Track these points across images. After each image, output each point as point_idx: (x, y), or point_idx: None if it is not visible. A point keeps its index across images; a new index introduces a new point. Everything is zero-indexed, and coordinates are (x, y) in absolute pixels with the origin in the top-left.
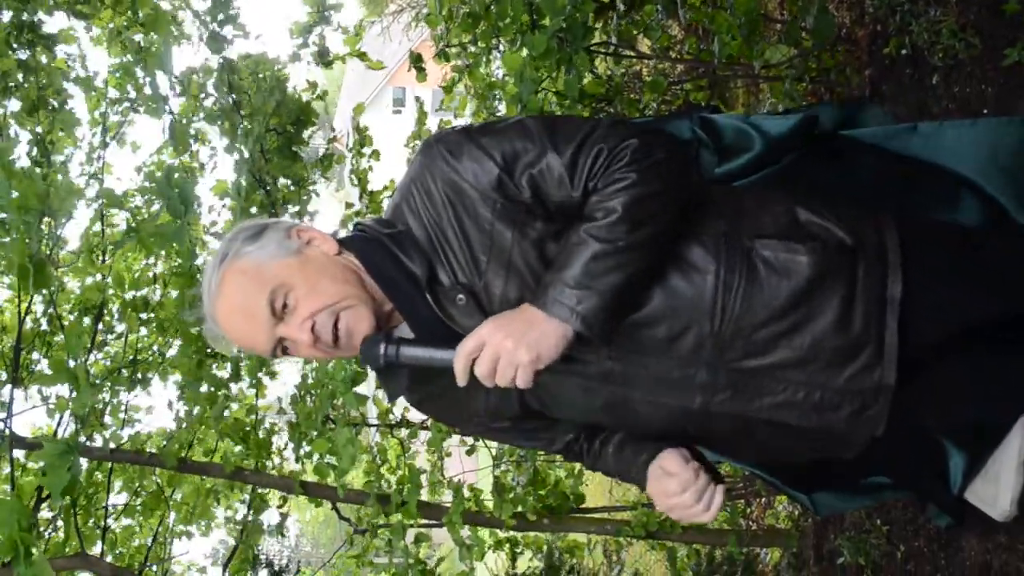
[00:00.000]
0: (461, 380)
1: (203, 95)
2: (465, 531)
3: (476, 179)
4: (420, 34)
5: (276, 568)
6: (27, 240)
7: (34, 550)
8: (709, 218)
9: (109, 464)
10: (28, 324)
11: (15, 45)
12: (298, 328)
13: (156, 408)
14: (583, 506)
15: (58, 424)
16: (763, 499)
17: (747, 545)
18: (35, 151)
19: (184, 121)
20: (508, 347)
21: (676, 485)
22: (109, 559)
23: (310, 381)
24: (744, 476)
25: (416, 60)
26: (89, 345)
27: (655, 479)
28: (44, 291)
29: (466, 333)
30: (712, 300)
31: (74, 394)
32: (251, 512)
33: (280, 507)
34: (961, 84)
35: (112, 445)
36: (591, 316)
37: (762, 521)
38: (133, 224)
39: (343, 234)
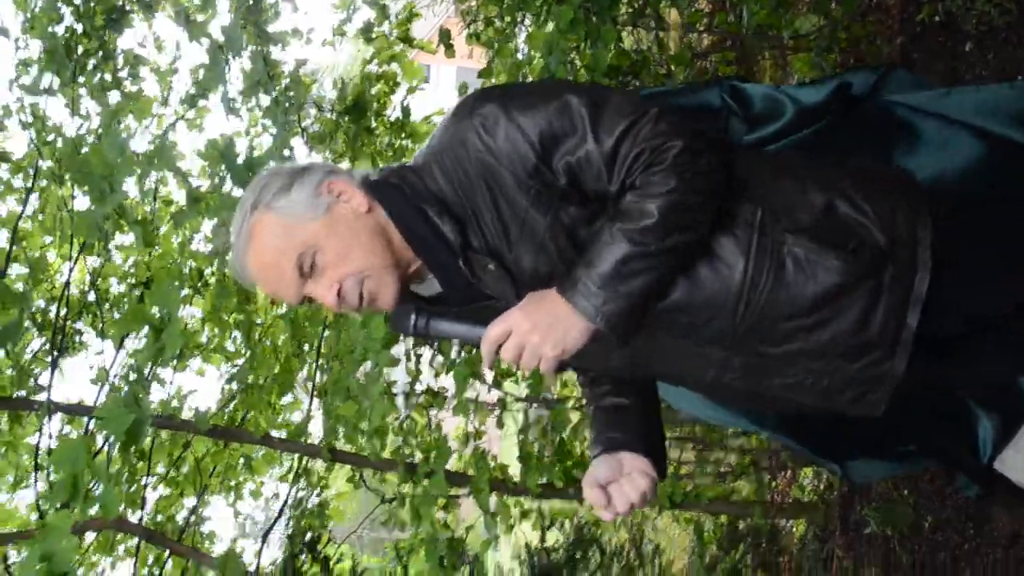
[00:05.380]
0: (487, 365)
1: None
2: (492, 500)
3: (511, 164)
4: (445, 9)
5: (310, 540)
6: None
7: (101, 486)
8: (742, 203)
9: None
10: (74, 291)
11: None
12: (325, 289)
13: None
14: None
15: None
16: (788, 472)
17: (773, 517)
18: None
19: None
20: (535, 340)
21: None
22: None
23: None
24: (768, 450)
25: (445, 37)
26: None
27: (589, 478)
28: (100, 257)
29: (495, 297)
30: (737, 296)
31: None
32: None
33: (320, 483)
34: (995, 51)
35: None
36: (616, 317)
37: (787, 494)
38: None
39: (373, 176)
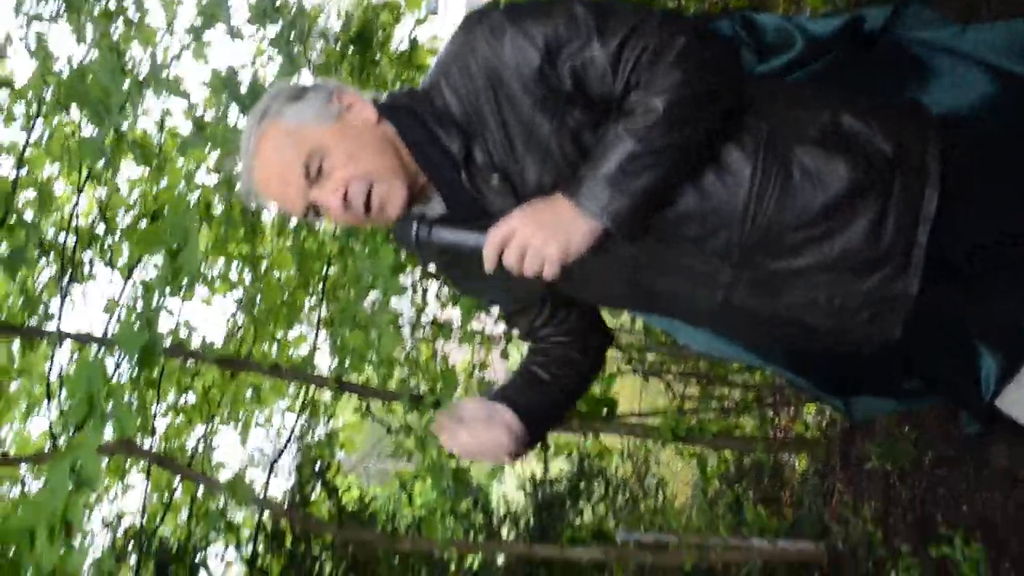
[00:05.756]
0: (489, 267)
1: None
2: None
3: (518, 68)
4: None
5: (319, 470)
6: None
7: (116, 404)
8: (752, 120)
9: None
10: (82, 223)
11: None
12: (331, 193)
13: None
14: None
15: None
16: (791, 408)
17: (775, 452)
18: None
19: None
20: (537, 241)
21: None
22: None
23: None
24: (772, 386)
25: None
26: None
27: (457, 406)
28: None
29: (499, 213)
30: (744, 205)
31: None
32: (307, 412)
33: (328, 413)
34: None
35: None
36: (621, 215)
37: (790, 430)
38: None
39: (383, 98)
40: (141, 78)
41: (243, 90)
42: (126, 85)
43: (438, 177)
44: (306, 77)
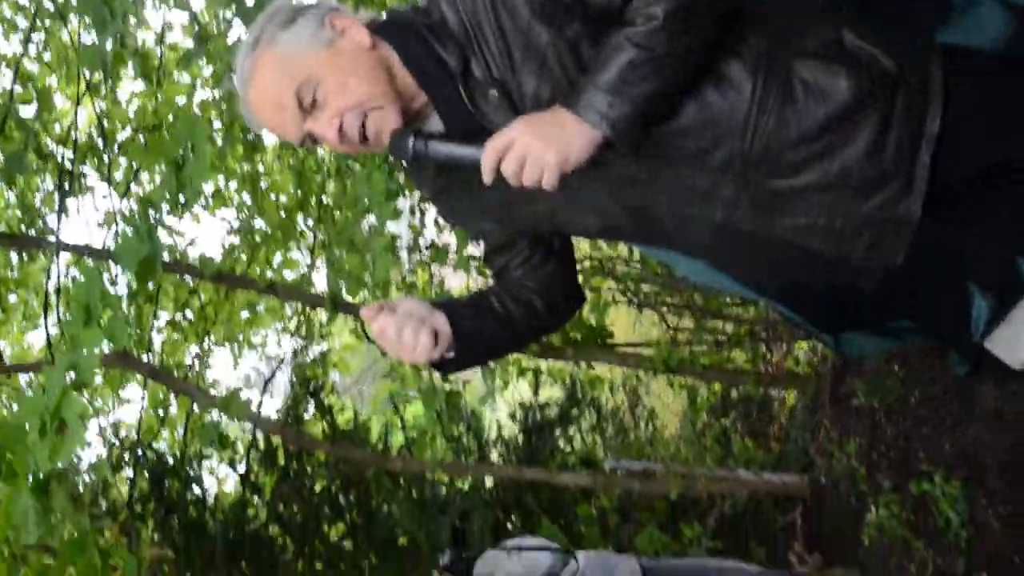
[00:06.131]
0: (488, 177)
1: None
2: None
3: None
4: None
5: (314, 389)
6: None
7: (111, 315)
8: (752, 34)
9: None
10: (81, 138)
11: None
12: (326, 124)
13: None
14: (607, 341)
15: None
16: (783, 344)
17: (765, 386)
18: None
19: None
20: (537, 148)
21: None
22: None
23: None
24: (765, 320)
25: None
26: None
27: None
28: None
29: (496, 129)
30: (745, 117)
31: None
32: (302, 331)
33: (323, 333)
34: None
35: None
36: (621, 123)
37: (781, 366)
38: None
39: (382, 18)
40: None
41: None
42: None
43: (436, 93)
44: None
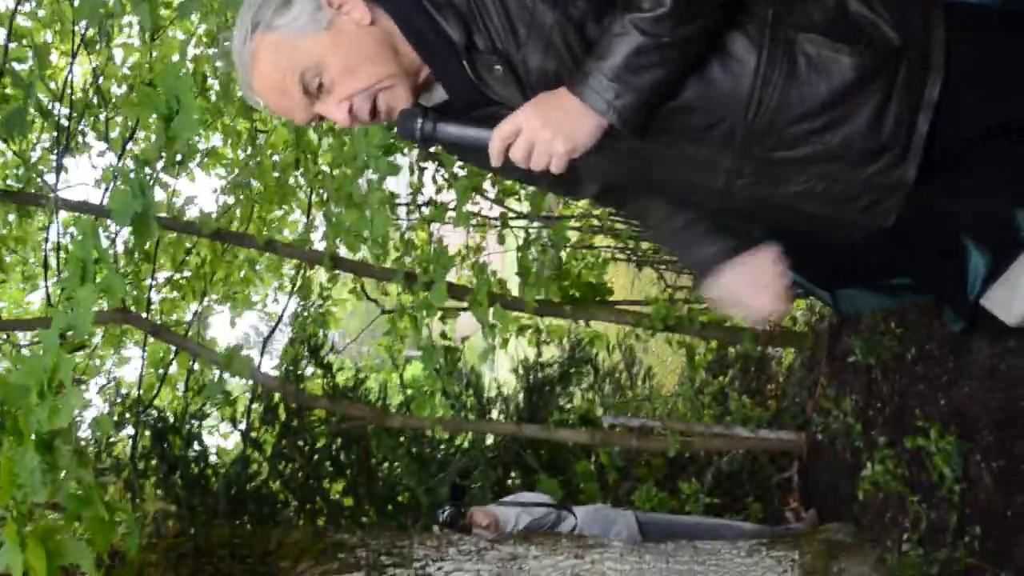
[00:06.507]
0: (496, 162)
1: None
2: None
3: None
4: None
5: (312, 347)
6: None
7: (106, 270)
8: (756, 3)
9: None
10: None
11: None
12: (335, 108)
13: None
14: (606, 299)
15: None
16: None
17: (763, 345)
18: None
19: None
20: (544, 136)
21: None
22: None
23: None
24: None
25: None
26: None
27: (729, 279)
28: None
29: (501, 101)
30: (749, 93)
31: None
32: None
33: (323, 294)
34: None
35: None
36: (628, 111)
37: (778, 325)
38: None
39: None
40: None
41: None
42: None
43: (437, 63)
44: None
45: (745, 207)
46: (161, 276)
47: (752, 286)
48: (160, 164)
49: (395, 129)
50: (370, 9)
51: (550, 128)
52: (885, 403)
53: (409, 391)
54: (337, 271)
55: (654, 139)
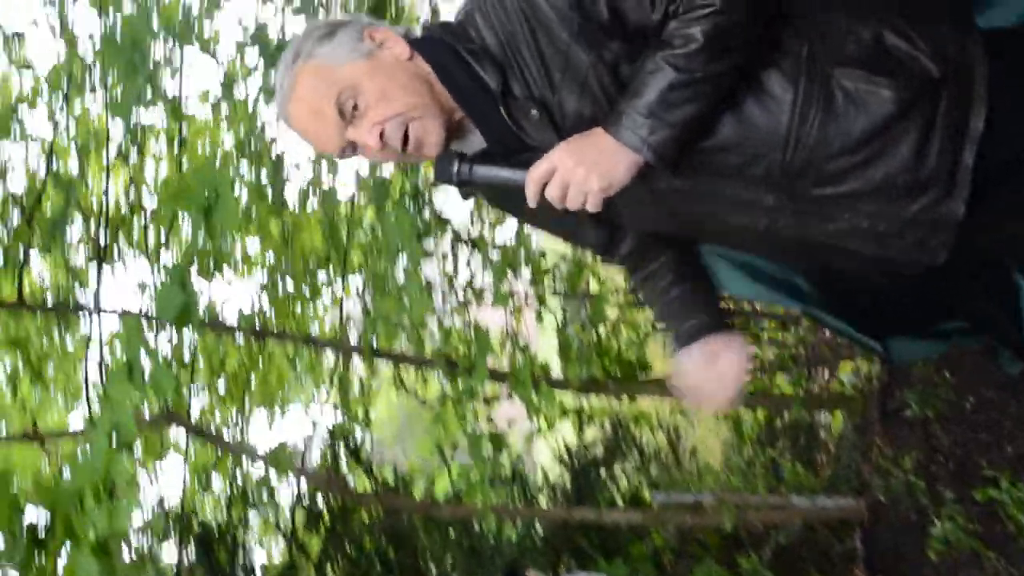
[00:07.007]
0: (532, 202)
1: None
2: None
3: None
4: None
5: (352, 447)
6: None
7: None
8: (791, 39)
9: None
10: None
11: None
12: (367, 133)
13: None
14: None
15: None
16: (825, 368)
17: (812, 409)
18: None
19: None
20: (580, 175)
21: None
22: None
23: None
24: (808, 345)
25: None
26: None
27: (699, 355)
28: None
29: (538, 146)
30: (787, 131)
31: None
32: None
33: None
34: None
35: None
36: (663, 147)
37: (826, 389)
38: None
39: (417, 33)
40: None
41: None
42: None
43: (474, 109)
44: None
45: (789, 248)
46: (199, 385)
47: (717, 381)
48: (194, 268)
49: (424, 210)
50: (409, 49)
51: (584, 166)
52: (947, 456)
53: (456, 479)
54: (375, 358)
55: (692, 179)
